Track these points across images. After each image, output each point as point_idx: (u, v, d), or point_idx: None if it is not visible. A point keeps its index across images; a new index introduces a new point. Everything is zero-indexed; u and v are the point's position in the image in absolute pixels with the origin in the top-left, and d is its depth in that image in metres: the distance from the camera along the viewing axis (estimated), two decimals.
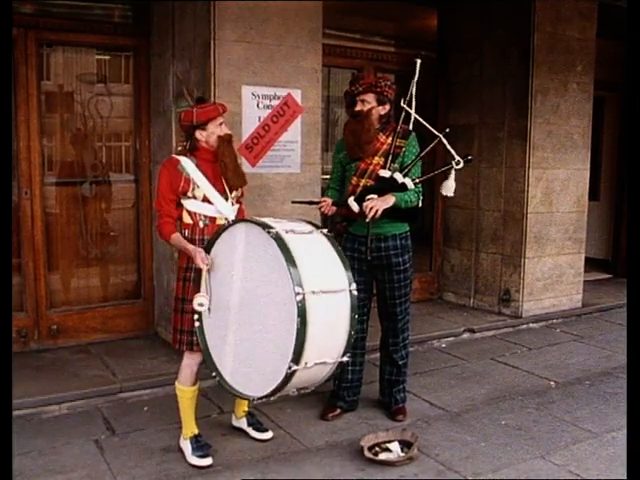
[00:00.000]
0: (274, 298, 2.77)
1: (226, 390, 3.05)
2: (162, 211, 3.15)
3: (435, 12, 6.31)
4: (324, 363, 2.82)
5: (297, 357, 2.66)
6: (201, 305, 2.95)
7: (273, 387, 2.76)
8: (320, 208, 3.56)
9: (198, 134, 3.15)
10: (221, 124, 3.18)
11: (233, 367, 2.99)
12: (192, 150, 3.19)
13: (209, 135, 3.15)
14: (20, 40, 4.40)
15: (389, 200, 3.35)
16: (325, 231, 3.02)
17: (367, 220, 3.33)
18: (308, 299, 2.65)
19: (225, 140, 3.17)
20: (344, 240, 3.58)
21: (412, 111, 3.57)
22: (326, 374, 2.93)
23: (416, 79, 3.53)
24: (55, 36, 4.60)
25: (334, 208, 3.52)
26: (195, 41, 4.37)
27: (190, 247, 3.07)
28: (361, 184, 3.48)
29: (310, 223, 3.08)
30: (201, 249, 3.05)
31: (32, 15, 4.49)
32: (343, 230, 3.62)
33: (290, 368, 2.66)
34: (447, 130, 3.54)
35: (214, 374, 3.06)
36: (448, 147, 3.49)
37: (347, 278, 2.89)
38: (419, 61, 3.52)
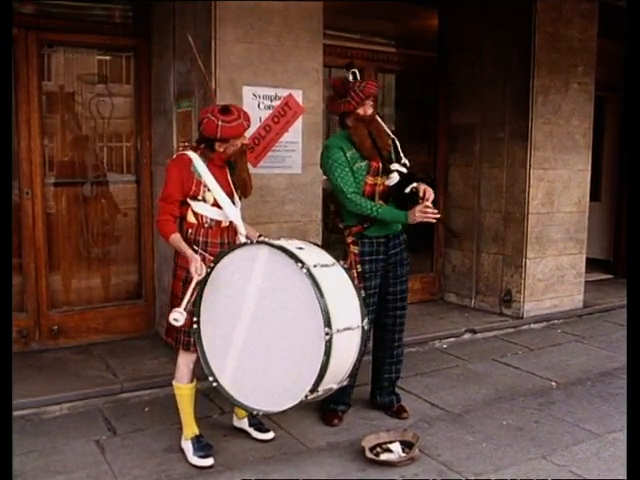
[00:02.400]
0: (298, 329, 2.88)
1: (223, 395, 3.11)
2: (165, 209, 3.09)
3: (435, 12, 6.30)
4: (330, 389, 3.03)
5: (315, 388, 2.84)
6: (176, 320, 2.90)
7: (284, 408, 2.93)
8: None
9: (217, 146, 3.07)
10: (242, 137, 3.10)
11: (234, 377, 3.06)
12: (207, 155, 3.10)
13: (228, 147, 3.08)
14: (21, 40, 4.40)
15: None
16: (342, 263, 3.15)
17: (428, 203, 3.44)
18: (334, 338, 2.80)
19: (242, 151, 3.12)
20: (360, 245, 3.54)
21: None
22: (325, 396, 3.10)
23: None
24: (56, 36, 4.60)
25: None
26: (196, 41, 4.36)
27: (189, 252, 3.03)
28: (378, 182, 3.52)
29: (326, 252, 3.17)
30: (198, 257, 3.02)
31: (32, 15, 4.49)
32: (359, 233, 3.57)
33: (307, 397, 2.85)
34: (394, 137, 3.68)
35: (211, 379, 3.11)
36: (399, 149, 3.61)
37: (361, 313, 3.04)
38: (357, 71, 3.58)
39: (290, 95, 4.48)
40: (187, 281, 3.13)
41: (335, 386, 3.02)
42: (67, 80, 4.76)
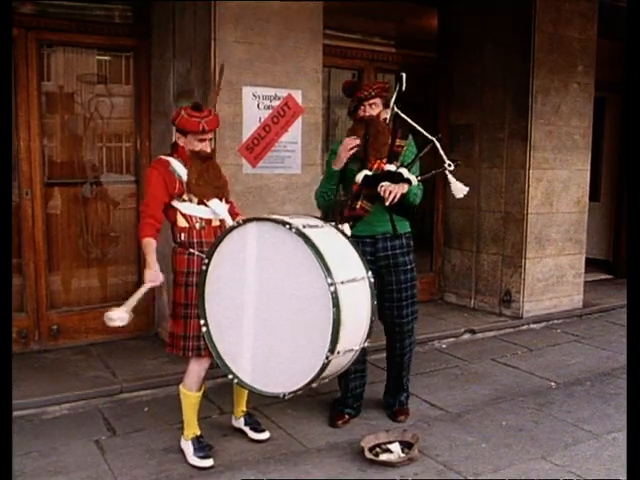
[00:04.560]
0: (302, 293, 2.78)
1: (249, 391, 3.06)
2: (147, 211, 3.07)
3: (436, 12, 6.31)
4: (351, 350, 2.88)
5: (333, 347, 2.70)
6: (121, 320, 2.87)
7: (308, 379, 2.77)
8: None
9: (177, 137, 3.15)
10: (202, 140, 3.10)
11: (253, 368, 2.95)
12: (173, 150, 3.18)
13: (186, 143, 3.12)
14: (20, 40, 4.40)
15: (404, 187, 3.36)
16: (333, 224, 3.08)
17: (387, 204, 3.31)
18: (339, 289, 2.70)
19: (196, 156, 3.09)
20: None
21: (407, 118, 3.56)
22: (348, 361, 2.98)
23: (404, 89, 3.49)
24: (55, 36, 4.60)
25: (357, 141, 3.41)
26: (195, 41, 4.37)
27: (150, 260, 3.01)
28: None
29: (316, 217, 3.13)
30: (156, 267, 3.01)
31: (32, 15, 4.50)
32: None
33: (327, 358, 2.71)
34: (439, 135, 3.54)
35: (231, 377, 3.01)
36: (440, 151, 3.48)
37: (363, 266, 2.96)
38: (404, 75, 3.49)
39: (290, 95, 4.48)
40: (188, 285, 3.13)
41: (356, 347, 2.89)
42: (67, 80, 4.76)
